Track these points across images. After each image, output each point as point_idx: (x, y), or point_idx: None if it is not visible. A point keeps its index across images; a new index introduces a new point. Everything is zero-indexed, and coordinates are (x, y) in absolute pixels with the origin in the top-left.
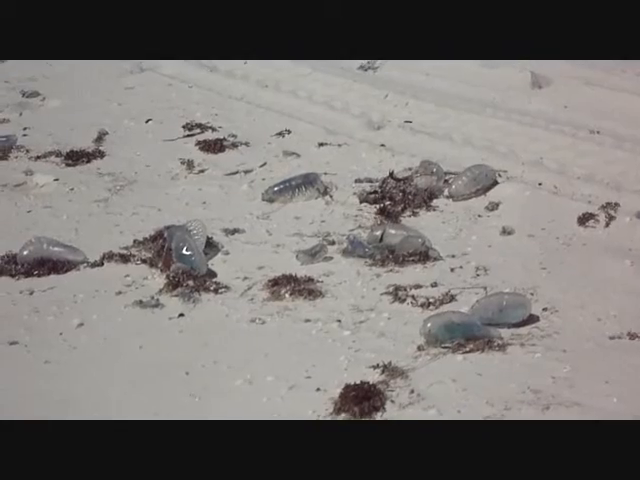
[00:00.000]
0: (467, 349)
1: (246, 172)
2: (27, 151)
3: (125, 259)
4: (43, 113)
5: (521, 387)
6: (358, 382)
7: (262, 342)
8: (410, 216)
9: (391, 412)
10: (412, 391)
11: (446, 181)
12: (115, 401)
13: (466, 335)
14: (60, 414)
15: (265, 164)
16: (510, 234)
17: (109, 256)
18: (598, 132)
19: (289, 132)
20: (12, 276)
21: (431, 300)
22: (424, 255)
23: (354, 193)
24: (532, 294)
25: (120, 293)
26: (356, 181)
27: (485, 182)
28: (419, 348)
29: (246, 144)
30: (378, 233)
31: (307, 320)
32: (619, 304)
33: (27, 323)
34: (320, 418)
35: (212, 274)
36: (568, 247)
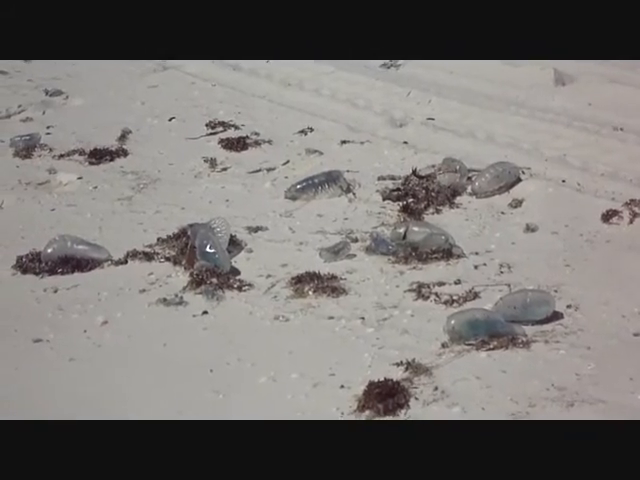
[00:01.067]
0: (491, 346)
1: (269, 170)
2: (50, 150)
3: (149, 257)
4: (66, 112)
5: (545, 384)
6: (382, 379)
7: (286, 339)
8: (433, 213)
9: (415, 409)
10: (436, 388)
11: (469, 178)
12: (139, 398)
13: (490, 332)
14: (84, 412)
15: (288, 162)
16: (534, 231)
17: (133, 254)
18: (622, 129)
19: (312, 130)
20: (36, 274)
21: (454, 297)
22: (447, 252)
23: (377, 190)
24: (556, 291)
25: (144, 291)
26: (379, 178)
27: (508, 179)
28: (443, 345)
29: (269, 142)
30: (401, 230)
31: (330, 317)
32: None
33: (51, 321)
34: (344, 415)
35: (235, 272)
36: (592, 244)
